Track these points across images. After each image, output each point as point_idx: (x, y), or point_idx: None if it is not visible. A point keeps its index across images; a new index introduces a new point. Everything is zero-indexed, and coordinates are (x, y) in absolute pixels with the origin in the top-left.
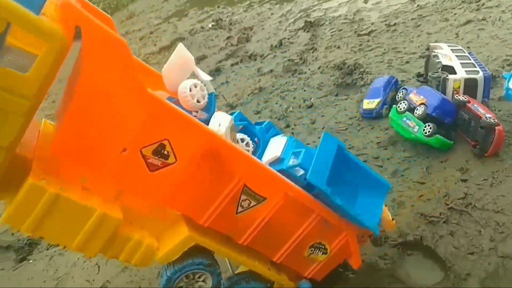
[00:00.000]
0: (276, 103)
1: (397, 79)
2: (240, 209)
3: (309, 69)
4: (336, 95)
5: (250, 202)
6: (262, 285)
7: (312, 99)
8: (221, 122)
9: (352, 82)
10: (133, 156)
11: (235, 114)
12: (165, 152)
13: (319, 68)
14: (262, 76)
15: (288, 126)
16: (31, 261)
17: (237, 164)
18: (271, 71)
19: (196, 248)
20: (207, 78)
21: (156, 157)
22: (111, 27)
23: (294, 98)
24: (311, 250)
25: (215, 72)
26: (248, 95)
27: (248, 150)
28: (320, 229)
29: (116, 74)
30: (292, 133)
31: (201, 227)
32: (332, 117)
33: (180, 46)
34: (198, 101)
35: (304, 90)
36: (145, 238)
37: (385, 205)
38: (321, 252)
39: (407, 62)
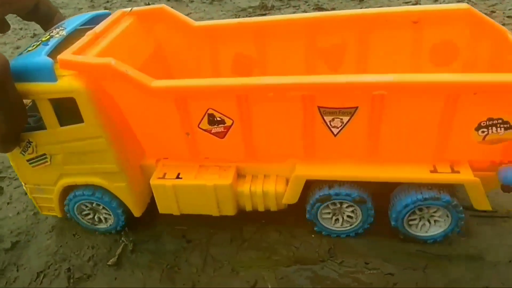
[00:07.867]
0: None
1: None
2: (335, 130)
3: None
4: None
5: (342, 119)
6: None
7: None
8: None
9: None
10: (199, 133)
11: None
12: (218, 119)
13: None
14: None
15: None
16: None
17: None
18: None
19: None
20: None
21: (216, 126)
22: None
23: None
24: (482, 131)
25: None
26: None
27: None
28: (482, 103)
29: None
30: None
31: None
32: None
33: None
34: None
35: None
36: (268, 187)
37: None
38: (503, 129)
39: None
